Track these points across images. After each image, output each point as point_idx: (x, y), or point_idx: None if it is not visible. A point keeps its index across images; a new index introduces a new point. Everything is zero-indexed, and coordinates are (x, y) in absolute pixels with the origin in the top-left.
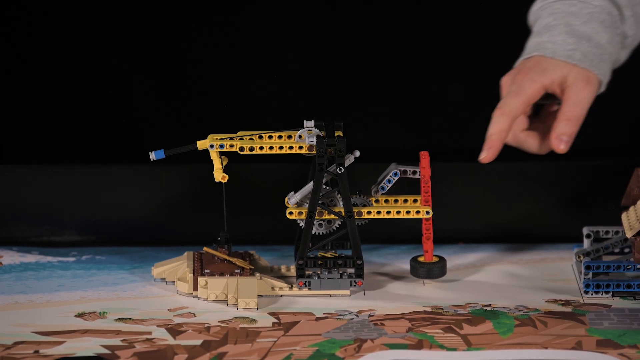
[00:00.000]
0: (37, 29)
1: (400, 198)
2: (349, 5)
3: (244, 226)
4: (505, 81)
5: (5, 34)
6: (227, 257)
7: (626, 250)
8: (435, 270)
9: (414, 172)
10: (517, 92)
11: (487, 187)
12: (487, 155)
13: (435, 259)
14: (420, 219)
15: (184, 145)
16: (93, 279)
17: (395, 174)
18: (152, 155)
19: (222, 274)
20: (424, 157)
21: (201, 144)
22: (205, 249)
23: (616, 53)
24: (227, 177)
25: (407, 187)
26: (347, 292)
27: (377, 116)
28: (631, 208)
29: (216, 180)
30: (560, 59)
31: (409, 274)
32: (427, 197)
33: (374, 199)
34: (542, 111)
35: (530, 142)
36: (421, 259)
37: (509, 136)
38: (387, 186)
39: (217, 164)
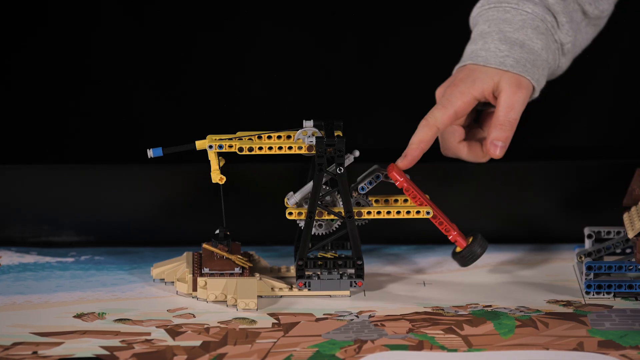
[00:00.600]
0: (35, 28)
1: (400, 198)
2: (348, 5)
3: (243, 226)
4: (439, 92)
5: (2, 33)
6: (226, 254)
7: (628, 250)
8: (476, 249)
9: None
10: (444, 104)
11: (487, 187)
12: (403, 162)
13: (469, 240)
14: (421, 220)
15: (182, 145)
16: (92, 280)
17: (378, 177)
18: (150, 153)
19: (221, 274)
20: (390, 171)
21: (200, 144)
22: (204, 245)
23: (554, 60)
24: (224, 178)
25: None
26: (347, 292)
27: (377, 116)
28: (633, 208)
29: (213, 181)
30: (493, 66)
31: (409, 275)
32: (419, 201)
33: (374, 199)
34: (481, 117)
35: (468, 152)
36: (458, 249)
37: (445, 149)
38: (368, 188)
39: (215, 165)
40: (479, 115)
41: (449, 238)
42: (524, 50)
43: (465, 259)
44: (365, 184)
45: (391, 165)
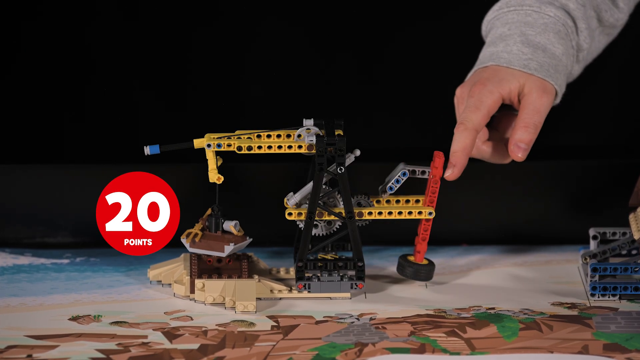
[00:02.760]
0: (33, 27)
1: (402, 198)
2: (348, 4)
3: (242, 227)
4: (461, 92)
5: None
6: (194, 230)
7: (633, 252)
8: (422, 273)
9: (423, 172)
10: (476, 105)
11: (491, 187)
12: (452, 173)
13: (425, 262)
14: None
15: (180, 143)
16: (87, 282)
17: (404, 174)
18: (147, 150)
19: (219, 276)
20: (439, 157)
21: (198, 143)
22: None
23: (570, 66)
24: (222, 178)
25: (408, 187)
26: (348, 294)
27: (377, 115)
28: (639, 209)
29: (211, 180)
30: (516, 68)
31: None
32: (433, 198)
33: (375, 200)
34: (494, 120)
35: (492, 153)
36: (411, 258)
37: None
38: (396, 186)
39: (212, 164)
40: (492, 119)
41: (417, 245)
42: (547, 54)
43: (410, 269)
44: (392, 183)
45: (441, 152)
